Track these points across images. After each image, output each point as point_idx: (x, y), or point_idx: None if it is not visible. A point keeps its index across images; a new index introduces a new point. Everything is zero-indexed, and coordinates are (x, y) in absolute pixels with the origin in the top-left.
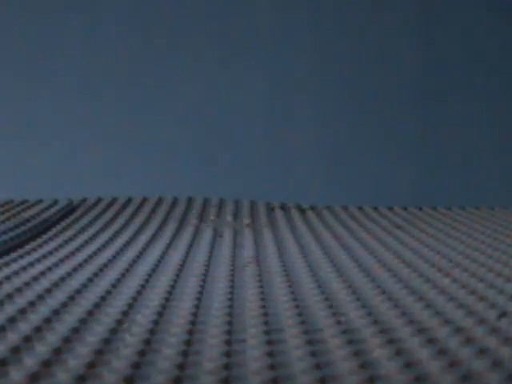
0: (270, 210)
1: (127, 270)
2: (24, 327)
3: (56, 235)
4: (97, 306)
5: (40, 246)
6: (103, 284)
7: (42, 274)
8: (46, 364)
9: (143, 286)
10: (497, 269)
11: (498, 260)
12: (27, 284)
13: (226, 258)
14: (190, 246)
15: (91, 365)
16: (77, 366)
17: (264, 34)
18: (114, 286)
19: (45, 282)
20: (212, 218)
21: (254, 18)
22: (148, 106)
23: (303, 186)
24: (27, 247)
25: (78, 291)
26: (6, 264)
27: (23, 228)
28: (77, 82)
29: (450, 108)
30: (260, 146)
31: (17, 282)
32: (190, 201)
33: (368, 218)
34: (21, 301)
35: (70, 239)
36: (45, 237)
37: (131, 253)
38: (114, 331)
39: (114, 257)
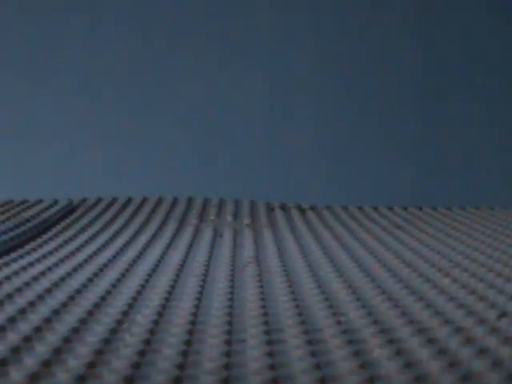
0: (270, 209)
1: (127, 270)
2: (24, 327)
3: (56, 235)
4: (97, 305)
5: (40, 246)
6: (103, 284)
7: (42, 273)
8: (46, 364)
9: (143, 286)
10: (497, 269)
11: (498, 260)
12: (27, 284)
13: (226, 258)
14: (190, 246)
15: (91, 365)
16: (77, 366)
17: (264, 34)
18: (114, 285)
19: (45, 282)
20: (212, 218)
21: (254, 18)
22: (148, 106)
23: (303, 185)
24: (27, 247)
25: (78, 291)
26: (6, 264)
27: (23, 228)
28: (77, 82)
29: (449, 108)
30: (260, 146)
31: (17, 282)
32: (190, 201)
33: (368, 218)
34: (21, 301)
35: (70, 239)
36: (45, 237)
37: (131, 253)
38: (113, 331)
39: (114, 257)
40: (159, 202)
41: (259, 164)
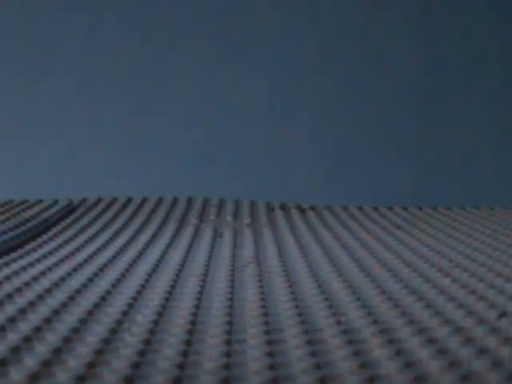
0: (270, 209)
1: (127, 270)
2: (24, 327)
3: (56, 235)
4: (97, 305)
5: (40, 245)
6: (103, 284)
7: (42, 273)
8: (46, 364)
9: (143, 286)
10: (497, 269)
11: (498, 260)
12: (27, 284)
13: (226, 258)
14: (190, 246)
15: (91, 365)
16: (77, 366)
17: (264, 34)
18: (114, 285)
19: (45, 282)
20: (212, 218)
21: (254, 18)
22: (148, 106)
23: (303, 185)
24: (27, 247)
25: (78, 291)
26: (6, 264)
27: (23, 228)
28: (77, 82)
29: (449, 108)
30: (260, 146)
31: (17, 282)
32: (190, 201)
33: (368, 218)
34: (21, 301)
35: (70, 239)
36: (45, 237)
37: (131, 253)
38: (113, 331)
39: (114, 257)
40: (159, 202)
41: (259, 164)
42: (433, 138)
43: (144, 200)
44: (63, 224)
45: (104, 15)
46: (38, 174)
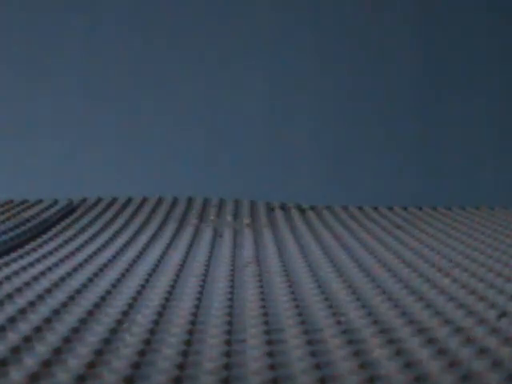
0: (270, 209)
1: (127, 270)
2: (24, 327)
3: (56, 235)
4: (97, 305)
5: (40, 245)
6: (103, 284)
7: (42, 273)
8: (46, 364)
9: (143, 286)
10: (497, 269)
11: (498, 260)
12: (27, 284)
13: (226, 257)
14: (190, 246)
15: (91, 365)
16: (77, 366)
17: (264, 34)
18: (114, 285)
19: (45, 282)
20: (212, 218)
21: (254, 18)
22: (148, 105)
23: (303, 185)
24: (27, 247)
25: (78, 291)
26: (6, 264)
27: (23, 228)
28: (77, 82)
29: (449, 108)
30: (260, 146)
31: (17, 282)
32: (190, 201)
33: (368, 218)
34: (21, 301)
35: (70, 239)
36: (45, 237)
37: (131, 253)
38: (114, 331)
39: (114, 257)
40: (159, 202)
41: (259, 164)
42: (433, 138)
43: (144, 200)
44: (63, 224)
45: (104, 15)
46: (38, 174)
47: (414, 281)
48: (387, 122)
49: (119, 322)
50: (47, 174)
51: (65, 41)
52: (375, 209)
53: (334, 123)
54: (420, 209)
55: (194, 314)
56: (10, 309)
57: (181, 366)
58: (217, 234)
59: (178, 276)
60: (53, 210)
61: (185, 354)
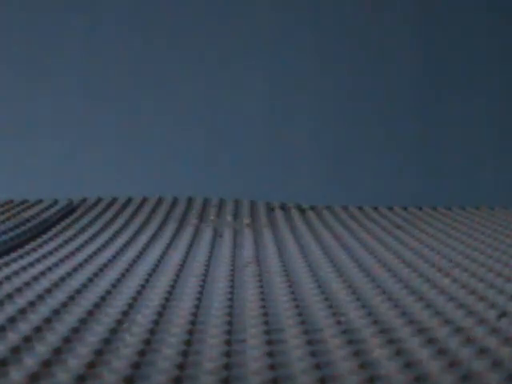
0: (270, 209)
1: (127, 270)
2: (24, 327)
3: (56, 235)
4: (97, 305)
5: (40, 245)
6: (103, 284)
7: (42, 274)
8: (46, 364)
9: (143, 286)
10: (497, 269)
11: (498, 260)
12: (27, 284)
13: (226, 257)
14: (190, 246)
15: (91, 365)
16: (77, 366)
17: (264, 34)
18: (114, 285)
19: (45, 282)
20: (212, 218)
21: (254, 18)
22: (148, 105)
23: (303, 185)
24: (27, 247)
25: (78, 291)
26: (6, 264)
27: (23, 228)
28: (77, 82)
29: (449, 108)
30: (260, 146)
31: (17, 282)
32: (189, 201)
33: (368, 218)
34: (21, 301)
35: (70, 239)
36: (45, 237)
37: (131, 253)
38: (114, 331)
39: (114, 257)
40: (159, 202)
41: (259, 164)
42: (433, 138)
43: (144, 200)
44: (63, 224)
45: (104, 15)
46: (38, 174)
47: (414, 281)
48: (387, 122)
49: (119, 322)
50: (47, 174)
51: (65, 41)
52: (375, 209)
53: (334, 123)
54: (420, 209)
55: (194, 314)
56: (10, 309)
57: (181, 366)
58: (217, 234)
59: (178, 276)
60: (53, 210)
61: (185, 353)
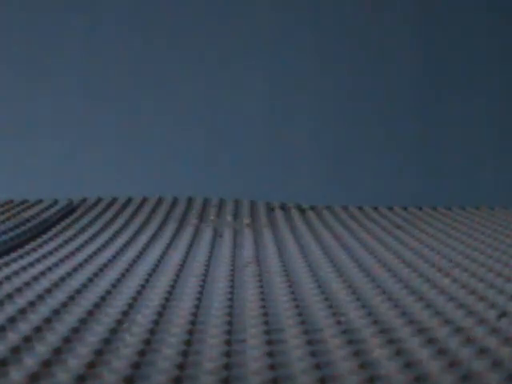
0: (270, 210)
1: (127, 270)
2: (24, 327)
3: (56, 235)
4: (97, 305)
5: (40, 245)
6: (103, 284)
7: (42, 274)
8: (46, 364)
9: (143, 286)
10: (497, 269)
11: (498, 260)
12: (27, 284)
13: (226, 257)
14: (190, 245)
15: (91, 365)
16: (77, 366)
17: (264, 34)
18: (114, 286)
19: (45, 282)
20: (212, 218)
21: (254, 17)
22: (148, 105)
23: (303, 185)
24: (27, 247)
25: (78, 291)
26: (6, 264)
27: (23, 228)
28: (77, 82)
29: (449, 108)
30: (260, 145)
31: (17, 282)
32: (190, 201)
33: (368, 218)
34: (21, 301)
35: (70, 239)
36: (45, 237)
37: (131, 253)
38: (114, 331)
39: (114, 257)
40: (159, 202)
41: (259, 164)
42: (433, 138)
43: (144, 200)
44: (63, 224)
45: (104, 15)
46: (38, 174)
47: (414, 281)
48: (387, 122)
49: (119, 322)
50: (47, 174)
51: (65, 41)
52: (375, 209)
53: (334, 123)
54: (420, 209)
55: (194, 314)
56: (10, 309)
57: (181, 366)
58: (217, 234)
59: (178, 276)
60: (53, 210)
61: (185, 353)
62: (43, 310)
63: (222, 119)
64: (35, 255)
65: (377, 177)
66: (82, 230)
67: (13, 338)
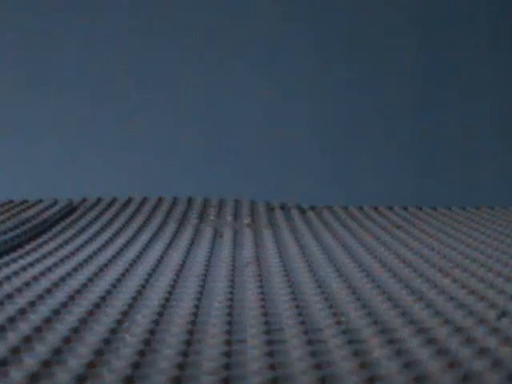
0: (270, 210)
1: (127, 270)
2: (24, 327)
3: (56, 235)
4: (97, 305)
5: (40, 246)
6: (103, 284)
7: (42, 274)
8: (46, 364)
9: (143, 286)
10: (497, 269)
11: (498, 260)
12: (27, 284)
13: (226, 257)
14: (190, 245)
15: (91, 365)
16: (77, 366)
17: (264, 34)
18: (113, 286)
19: (45, 282)
20: (212, 218)
21: (254, 18)
22: (148, 105)
23: (303, 185)
24: (27, 247)
25: (78, 291)
26: (6, 264)
27: (23, 228)
28: (77, 82)
29: (449, 108)
30: (260, 146)
31: (17, 281)
32: (189, 201)
33: (368, 218)
34: (21, 301)
35: (70, 239)
36: (45, 237)
37: (131, 253)
38: (114, 331)
39: (114, 257)
40: (159, 202)
41: (259, 164)
42: (433, 137)
43: (144, 200)
44: (63, 224)
45: (104, 15)
46: (38, 174)
47: (414, 281)
48: (387, 122)
49: (119, 322)
50: (47, 174)
51: (65, 41)
52: (375, 209)
53: (334, 123)
54: (420, 209)
55: (194, 314)
56: (10, 309)
57: (181, 366)
58: (217, 234)
59: (177, 276)
60: (53, 210)
61: (185, 354)
62: (43, 309)
63: (222, 119)
64: (35, 255)
65: (377, 177)
66: (82, 230)
67: (13, 338)
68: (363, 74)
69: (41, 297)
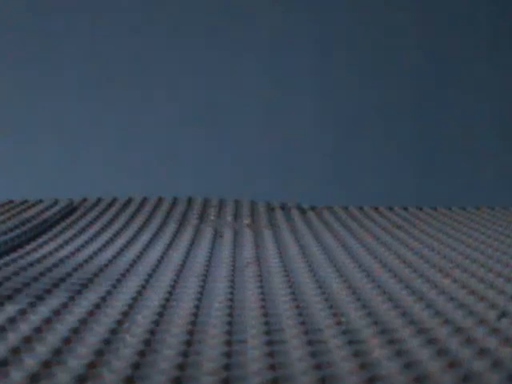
0: (270, 210)
1: (127, 270)
2: (24, 327)
3: (56, 235)
4: (97, 306)
5: (40, 246)
6: (103, 284)
7: (42, 274)
8: (46, 364)
9: (143, 286)
10: (497, 269)
11: (499, 260)
12: (27, 284)
13: (226, 258)
14: (190, 245)
15: (91, 365)
16: (77, 367)
17: (264, 34)
18: (114, 286)
19: (45, 282)
20: (212, 218)
21: (254, 18)
22: (148, 105)
23: (303, 185)
24: (27, 247)
25: (78, 291)
26: (6, 264)
27: (23, 228)
28: (77, 82)
29: (449, 108)
30: (260, 146)
31: (17, 281)
32: (190, 201)
33: (368, 218)
34: (21, 301)
35: (71, 239)
36: (45, 237)
37: (131, 253)
38: (114, 332)
39: (114, 257)
40: (159, 202)
41: (259, 164)
42: (433, 137)
43: (144, 200)
44: (63, 224)
45: (104, 15)
46: (38, 174)
47: (415, 281)
48: (387, 122)
49: (119, 323)
50: (47, 174)
51: (65, 40)
52: (375, 209)
53: (334, 124)
54: (420, 209)
55: (194, 314)
56: (10, 309)
57: (181, 367)
58: (217, 235)
59: (178, 276)
60: (53, 210)
61: (185, 354)
62: (43, 309)
63: (221, 119)
64: (35, 255)
65: (377, 177)
66: (83, 230)
67: (13, 338)
68: (363, 73)
69: (41, 297)
